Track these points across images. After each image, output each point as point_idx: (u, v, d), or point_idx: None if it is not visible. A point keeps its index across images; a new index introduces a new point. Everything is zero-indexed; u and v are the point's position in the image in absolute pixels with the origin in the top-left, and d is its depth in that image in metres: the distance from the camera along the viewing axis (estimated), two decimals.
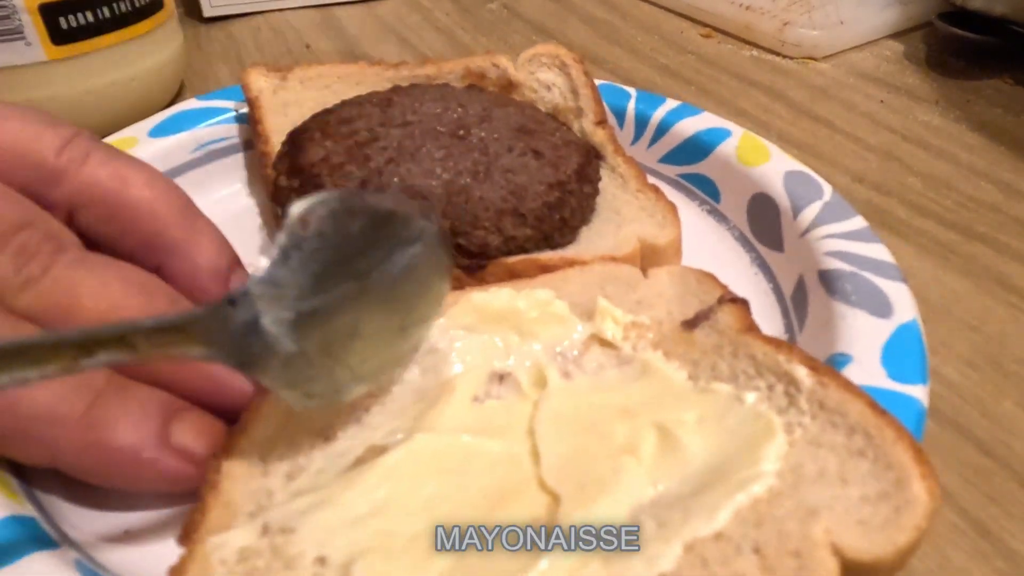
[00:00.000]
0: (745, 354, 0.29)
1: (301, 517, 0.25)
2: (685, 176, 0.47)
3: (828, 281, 0.36)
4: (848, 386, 0.27)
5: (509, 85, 0.48)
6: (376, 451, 0.27)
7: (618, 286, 0.34)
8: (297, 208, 0.25)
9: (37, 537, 0.26)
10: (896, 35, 0.74)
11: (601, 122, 0.47)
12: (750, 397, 0.28)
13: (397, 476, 0.26)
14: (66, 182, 0.32)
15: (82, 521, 0.29)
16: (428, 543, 0.24)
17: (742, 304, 0.32)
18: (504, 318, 0.32)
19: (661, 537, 0.23)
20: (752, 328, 0.31)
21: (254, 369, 0.25)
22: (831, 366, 0.32)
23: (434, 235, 0.29)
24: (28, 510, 0.28)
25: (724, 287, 0.33)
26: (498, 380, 0.30)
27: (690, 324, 0.32)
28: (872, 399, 0.26)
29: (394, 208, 0.28)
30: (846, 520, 0.23)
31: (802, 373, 0.27)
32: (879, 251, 0.37)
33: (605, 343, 0.32)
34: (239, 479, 0.27)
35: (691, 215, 0.45)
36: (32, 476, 0.30)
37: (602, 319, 0.32)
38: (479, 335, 0.31)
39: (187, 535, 0.25)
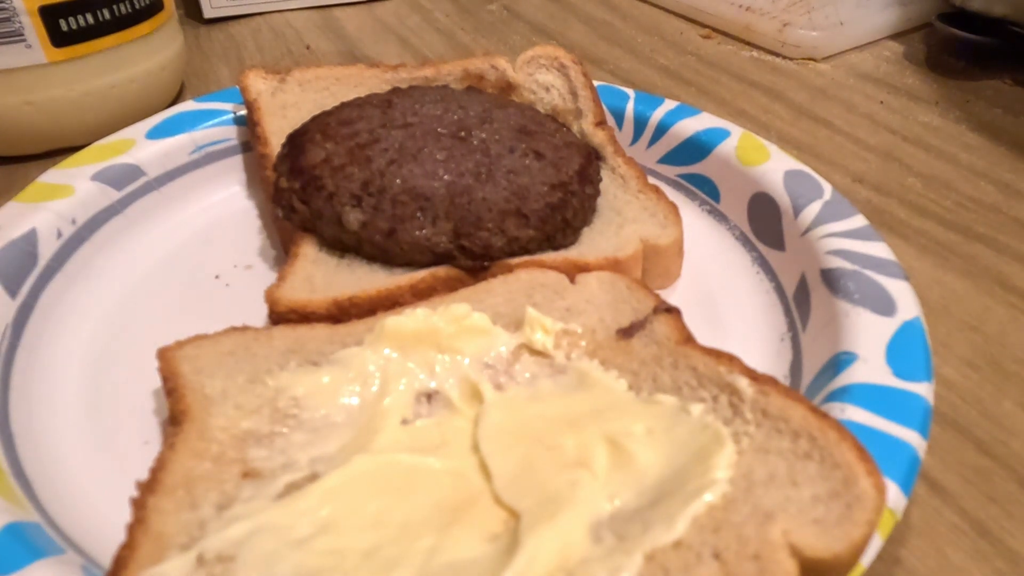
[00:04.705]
0: (686, 365, 0.30)
1: (240, 545, 0.24)
2: (685, 176, 0.47)
3: (830, 280, 0.36)
4: (788, 392, 0.27)
5: (508, 87, 0.48)
6: (309, 478, 0.27)
7: (546, 294, 0.34)
8: None
9: (42, 543, 0.26)
10: (896, 36, 0.74)
11: (600, 123, 0.47)
12: (696, 409, 0.28)
13: (339, 496, 0.26)
14: None
15: (88, 526, 0.29)
16: (387, 555, 0.24)
17: (676, 314, 0.32)
18: (421, 338, 0.31)
19: (622, 549, 0.24)
20: (689, 339, 0.31)
21: None
22: (836, 365, 0.32)
23: None
24: (32, 516, 0.27)
25: (656, 296, 0.34)
26: (425, 399, 0.30)
27: (626, 333, 0.32)
28: (812, 403, 0.27)
29: None
30: (801, 520, 0.23)
31: (743, 383, 0.28)
32: (881, 249, 0.37)
33: (536, 352, 0.32)
34: (168, 512, 0.26)
35: (691, 215, 0.45)
36: (37, 481, 0.30)
37: (531, 328, 0.32)
38: (398, 358, 0.31)
39: (116, 573, 0.24)
